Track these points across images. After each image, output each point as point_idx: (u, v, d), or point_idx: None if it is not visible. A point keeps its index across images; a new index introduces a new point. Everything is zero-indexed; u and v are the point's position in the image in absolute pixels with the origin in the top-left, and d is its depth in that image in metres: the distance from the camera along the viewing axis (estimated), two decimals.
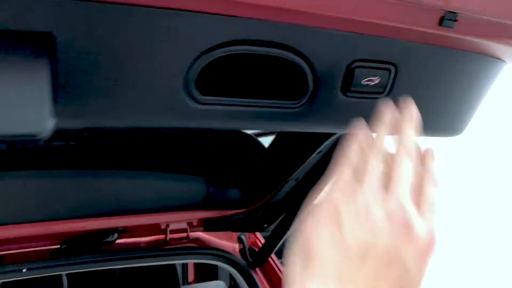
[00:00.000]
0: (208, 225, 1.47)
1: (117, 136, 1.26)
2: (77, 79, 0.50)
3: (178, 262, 1.56)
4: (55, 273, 1.29)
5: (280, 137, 1.22)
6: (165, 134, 1.28)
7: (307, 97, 0.62)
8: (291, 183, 1.31)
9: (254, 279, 1.44)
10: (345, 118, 0.62)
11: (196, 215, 1.41)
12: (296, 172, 1.24)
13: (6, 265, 1.24)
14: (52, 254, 1.34)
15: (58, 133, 1.11)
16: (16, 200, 1.19)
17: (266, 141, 1.34)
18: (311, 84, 0.61)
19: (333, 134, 1.08)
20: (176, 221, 1.41)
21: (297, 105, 0.62)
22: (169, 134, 1.27)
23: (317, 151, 1.16)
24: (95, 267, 1.32)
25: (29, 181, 1.19)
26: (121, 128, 0.61)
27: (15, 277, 1.25)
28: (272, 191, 1.33)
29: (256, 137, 1.37)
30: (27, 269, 1.24)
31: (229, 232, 1.55)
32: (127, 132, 1.26)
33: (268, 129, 0.74)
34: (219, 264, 1.44)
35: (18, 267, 1.24)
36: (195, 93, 0.56)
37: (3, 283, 1.61)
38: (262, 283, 1.49)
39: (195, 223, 1.46)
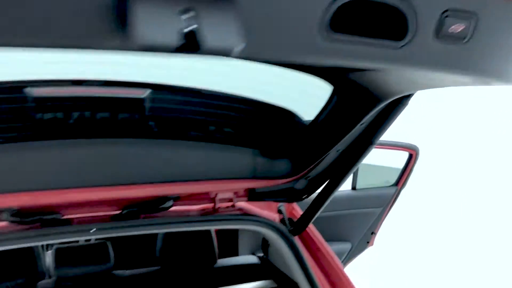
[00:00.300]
0: (252, 195, 1.60)
1: (175, 110, 1.38)
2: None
3: (227, 227, 1.68)
4: (118, 234, 1.42)
5: (325, 110, 1.34)
6: (217, 108, 1.41)
7: (407, 39, 0.75)
8: (333, 154, 1.44)
9: (296, 245, 1.57)
10: (434, 61, 0.76)
11: (243, 185, 1.54)
12: (339, 143, 1.38)
13: (77, 225, 1.37)
14: (114, 219, 1.48)
15: (123, 106, 1.24)
16: (85, 165, 1.32)
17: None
18: (412, 28, 0.74)
19: (375, 106, 1.21)
20: (224, 190, 1.54)
21: (399, 45, 0.75)
22: (223, 107, 1.39)
23: (360, 123, 1.29)
24: (153, 230, 1.45)
25: (97, 149, 1.32)
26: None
27: (84, 236, 1.38)
28: (314, 162, 1.46)
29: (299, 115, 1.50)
30: (97, 229, 1.37)
31: (269, 203, 1.68)
32: (183, 108, 1.38)
33: (376, 66, 0.88)
34: (264, 230, 1.57)
35: (87, 227, 1.37)
36: (328, 31, 0.70)
37: (57, 249, 1.75)
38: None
39: (240, 193, 1.59)
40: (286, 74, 1.28)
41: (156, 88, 1.30)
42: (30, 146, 1.24)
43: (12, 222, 1.31)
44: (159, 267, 1.95)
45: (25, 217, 1.32)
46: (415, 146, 3.10)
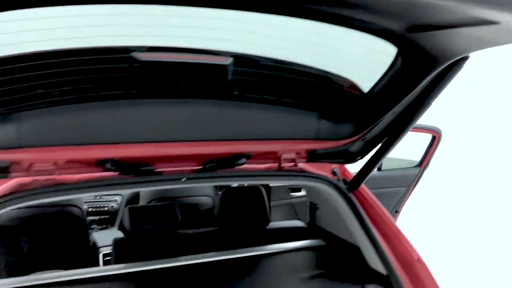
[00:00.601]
0: (312, 156, 1.79)
1: (252, 76, 1.56)
2: None
3: (292, 183, 1.87)
4: (202, 184, 1.61)
5: (387, 74, 1.52)
6: (289, 76, 1.59)
7: None
8: (390, 117, 1.63)
9: (353, 200, 1.76)
10: None
11: (307, 146, 1.73)
12: (397, 106, 1.56)
13: (170, 174, 1.56)
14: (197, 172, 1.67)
15: (211, 71, 1.41)
16: (177, 123, 1.50)
17: None
18: None
19: (436, 68, 1.38)
20: (290, 150, 1.73)
21: None
22: (294, 74, 1.57)
23: (419, 86, 1.48)
24: (230, 182, 1.64)
25: (187, 108, 1.51)
26: None
27: (175, 185, 1.57)
28: (372, 125, 1.65)
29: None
30: (186, 178, 1.56)
31: (324, 165, 1.87)
32: (259, 74, 1.57)
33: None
34: (324, 187, 1.75)
35: (179, 176, 1.56)
36: None
37: (129, 207, 1.95)
38: None
39: (302, 155, 1.78)
40: (351, 43, 1.48)
41: (237, 57, 1.49)
42: (133, 103, 1.43)
43: (114, 171, 1.50)
44: (218, 227, 2.14)
45: (125, 167, 1.51)
46: (438, 128, 3.29)
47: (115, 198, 4.00)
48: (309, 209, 2.23)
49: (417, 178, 3.45)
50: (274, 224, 2.26)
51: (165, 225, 1.99)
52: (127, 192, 2.87)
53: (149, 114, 1.44)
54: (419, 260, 1.65)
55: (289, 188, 3.42)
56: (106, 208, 3.95)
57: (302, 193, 3.48)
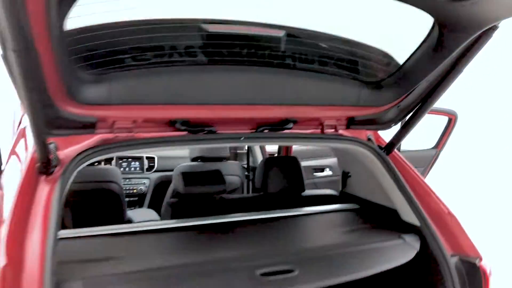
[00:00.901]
0: (350, 123, 1.98)
1: (302, 46, 1.75)
2: None
3: (333, 145, 2.06)
4: (256, 144, 1.81)
5: (424, 43, 1.70)
6: (335, 47, 1.78)
7: None
8: (424, 84, 1.82)
9: (389, 161, 1.95)
10: None
11: (348, 113, 1.92)
12: (431, 74, 1.76)
13: (229, 133, 1.76)
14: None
15: (267, 42, 1.60)
16: (237, 88, 1.69)
17: None
18: None
19: (469, 37, 1.57)
20: (332, 116, 1.92)
21: None
22: (339, 46, 1.77)
23: (450, 57, 1.67)
24: (279, 143, 1.84)
25: (247, 75, 1.70)
26: None
27: (234, 143, 1.77)
28: (407, 92, 1.84)
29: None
30: (244, 138, 1.76)
31: (361, 131, 2.06)
32: (309, 45, 1.76)
33: None
34: (362, 150, 1.95)
35: (238, 135, 1.76)
36: None
37: (182, 173, 2.15)
38: None
39: (342, 122, 1.98)
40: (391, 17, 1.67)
41: (290, 30, 1.68)
42: (203, 70, 1.63)
43: (182, 131, 1.70)
44: (260, 193, 2.35)
45: (192, 127, 1.71)
46: (454, 111, 3.49)
47: (143, 182, 4.21)
48: (341, 178, 2.43)
49: (433, 159, 3.64)
50: (308, 192, 2.46)
51: (213, 188, 2.19)
52: (193, 147, 3.08)
53: (215, 79, 1.64)
54: (449, 213, 1.85)
55: (313, 169, 3.62)
56: (135, 191, 4.17)
57: (325, 173, 3.68)
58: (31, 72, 1.13)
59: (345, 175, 2.39)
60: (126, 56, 1.49)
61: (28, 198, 1.43)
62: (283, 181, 2.32)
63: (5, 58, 1.09)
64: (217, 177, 2.21)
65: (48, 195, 1.43)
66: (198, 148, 3.19)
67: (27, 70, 1.09)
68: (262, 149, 3.61)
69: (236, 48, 1.64)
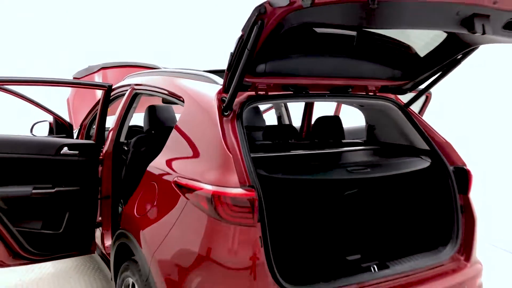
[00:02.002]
0: (383, 89, 3.13)
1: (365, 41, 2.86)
2: None
3: (373, 102, 3.16)
4: (330, 101, 2.93)
5: (438, 48, 2.84)
6: (381, 42, 2.91)
7: None
8: (433, 69, 2.98)
9: (408, 113, 3.12)
10: None
11: (383, 83, 3.06)
12: (439, 65, 2.92)
13: (318, 92, 2.86)
14: (332, 90, 2.98)
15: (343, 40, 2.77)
16: (326, 65, 2.79)
17: None
18: None
19: (464, 50, 2.74)
20: (374, 85, 3.06)
21: None
22: (384, 44, 2.90)
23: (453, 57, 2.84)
24: (344, 99, 2.98)
25: (333, 58, 2.80)
26: None
27: (320, 100, 2.88)
28: (422, 74, 3.00)
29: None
30: (327, 96, 2.87)
31: (387, 95, 3.21)
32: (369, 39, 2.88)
33: None
34: (389, 105, 3.09)
35: (323, 94, 2.87)
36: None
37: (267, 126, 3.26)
38: None
39: (378, 88, 3.11)
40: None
41: (361, 32, 2.77)
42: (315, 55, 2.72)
43: (291, 91, 2.78)
44: (313, 140, 3.47)
45: (297, 89, 2.79)
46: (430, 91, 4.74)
47: None
48: (367, 130, 3.59)
49: None
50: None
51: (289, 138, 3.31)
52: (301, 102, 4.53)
53: (317, 62, 2.72)
54: (446, 141, 3.03)
55: None
56: None
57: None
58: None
59: (371, 128, 3.55)
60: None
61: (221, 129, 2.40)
62: (331, 131, 3.46)
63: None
64: (291, 130, 3.33)
65: (233, 128, 2.42)
66: None
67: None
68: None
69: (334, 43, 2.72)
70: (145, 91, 3.52)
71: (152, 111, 3.81)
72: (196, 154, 2.43)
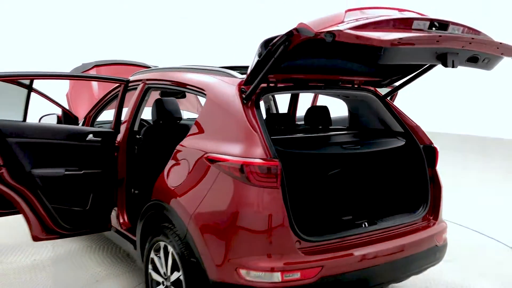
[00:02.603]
0: (365, 83, 3.79)
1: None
2: None
3: (357, 93, 3.81)
4: (325, 92, 3.56)
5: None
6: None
7: None
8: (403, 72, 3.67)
9: (386, 102, 3.79)
10: None
11: (367, 79, 3.73)
12: (407, 71, 3.61)
13: (318, 85, 3.49)
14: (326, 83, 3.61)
15: None
16: (328, 65, 3.42)
17: None
18: None
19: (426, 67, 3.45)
20: (359, 80, 3.71)
21: None
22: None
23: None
24: (335, 91, 3.62)
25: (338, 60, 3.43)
26: None
27: (318, 92, 3.50)
28: (396, 76, 3.69)
29: None
30: (323, 87, 3.49)
31: (369, 88, 3.88)
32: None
33: None
34: (370, 96, 3.76)
35: (321, 87, 3.50)
36: None
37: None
38: None
39: (361, 82, 3.76)
40: None
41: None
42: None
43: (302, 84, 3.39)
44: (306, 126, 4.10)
45: (302, 82, 3.40)
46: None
47: None
48: (349, 118, 4.25)
49: None
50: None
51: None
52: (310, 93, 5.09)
53: (315, 60, 3.34)
54: (417, 125, 3.73)
55: None
56: None
57: None
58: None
59: (353, 115, 4.21)
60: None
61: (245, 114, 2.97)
62: (322, 119, 4.09)
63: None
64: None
65: (253, 113, 2.99)
66: None
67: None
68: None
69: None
70: (158, 85, 4.03)
71: (159, 104, 4.31)
72: (223, 134, 3.01)
